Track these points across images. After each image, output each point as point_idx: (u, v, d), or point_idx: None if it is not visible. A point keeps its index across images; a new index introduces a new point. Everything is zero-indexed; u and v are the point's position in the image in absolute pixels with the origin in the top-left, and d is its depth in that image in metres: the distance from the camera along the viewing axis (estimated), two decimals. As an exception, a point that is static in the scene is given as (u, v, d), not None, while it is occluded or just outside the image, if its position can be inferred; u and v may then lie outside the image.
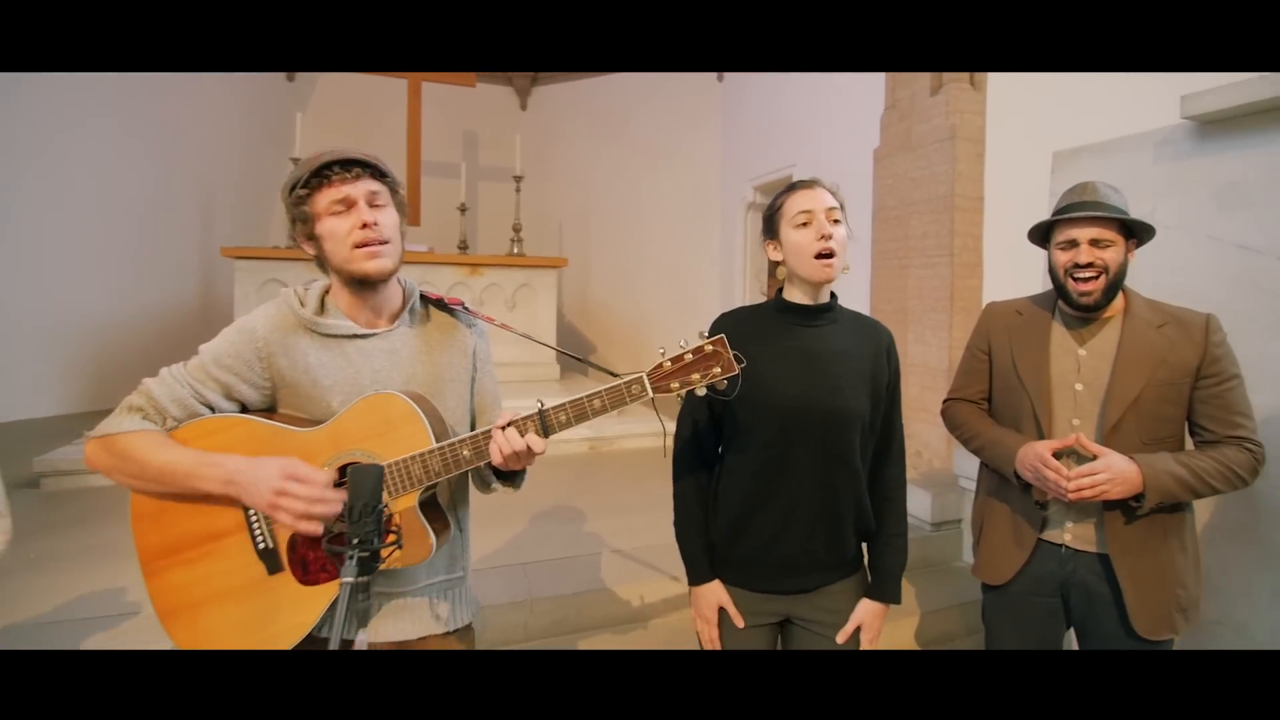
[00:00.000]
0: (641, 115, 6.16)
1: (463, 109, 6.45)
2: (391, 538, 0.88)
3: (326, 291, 1.10)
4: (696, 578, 1.29)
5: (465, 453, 0.97)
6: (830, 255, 1.17)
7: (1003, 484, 1.45)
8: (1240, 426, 1.28)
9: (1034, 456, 1.29)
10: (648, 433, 4.10)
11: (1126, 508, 1.28)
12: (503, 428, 0.95)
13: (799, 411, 1.18)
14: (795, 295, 1.24)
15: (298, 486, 0.92)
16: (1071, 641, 1.51)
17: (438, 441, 0.97)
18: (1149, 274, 1.68)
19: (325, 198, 1.01)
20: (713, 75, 5.81)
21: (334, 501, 0.93)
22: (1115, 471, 1.21)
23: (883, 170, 3.37)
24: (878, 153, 3.40)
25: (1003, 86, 2.90)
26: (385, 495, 0.92)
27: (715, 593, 1.27)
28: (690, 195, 6.03)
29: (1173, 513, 1.32)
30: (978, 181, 2.96)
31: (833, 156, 3.95)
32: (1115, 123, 1.91)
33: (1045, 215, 1.97)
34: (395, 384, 1.06)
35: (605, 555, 2.42)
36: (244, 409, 1.06)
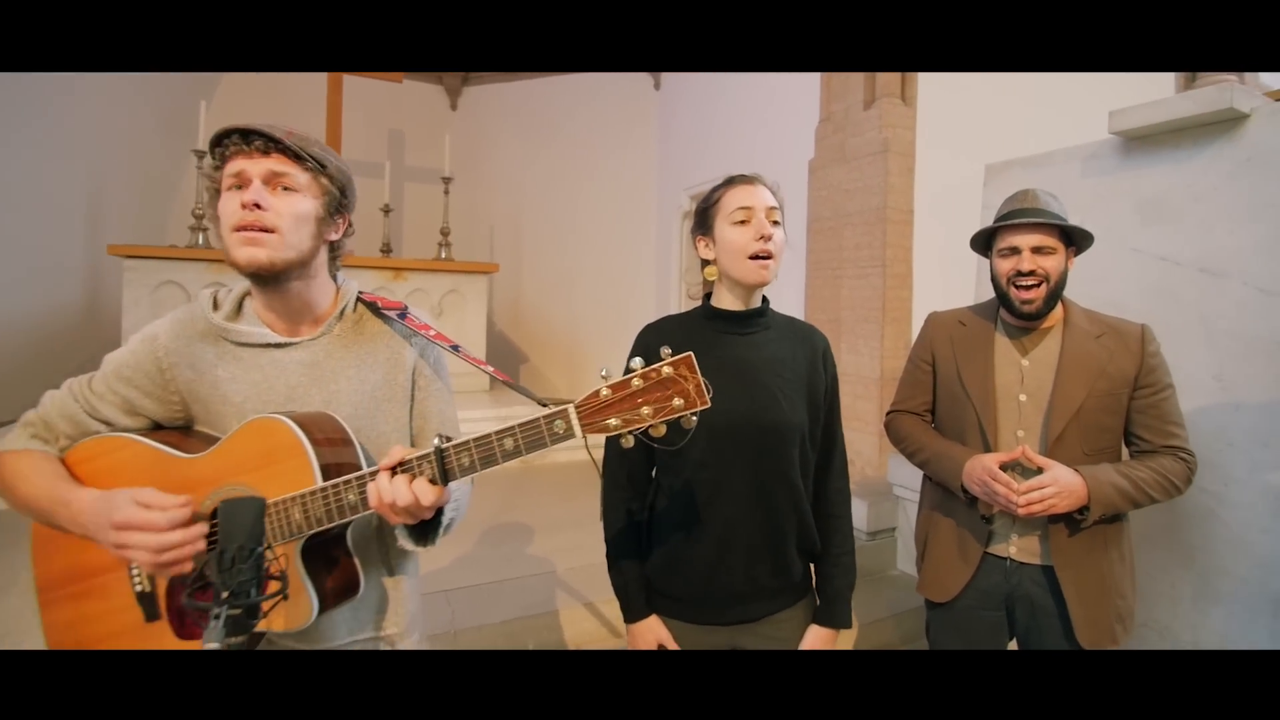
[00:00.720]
0: (576, 120, 6.05)
1: (388, 106, 6.14)
2: (274, 586, 0.70)
3: (247, 293, 0.93)
4: (632, 614, 1.17)
5: (351, 497, 0.79)
6: (768, 257, 1.08)
7: (947, 498, 1.42)
8: (1175, 436, 1.29)
9: (982, 470, 1.26)
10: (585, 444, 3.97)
11: (1070, 520, 1.27)
12: (392, 469, 0.78)
13: (733, 428, 1.07)
14: (725, 300, 1.15)
15: (144, 522, 0.75)
16: (1012, 654, 1.50)
17: (327, 479, 0.80)
18: (1075, 284, 1.70)
19: (224, 174, 0.85)
20: (649, 82, 5.78)
21: (190, 541, 0.76)
22: (1062, 485, 1.20)
23: (817, 182, 3.39)
24: (812, 164, 3.42)
25: (933, 102, 2.98)
26: (269, 537, 0.75)
27: (653, 629, 1.16)
28: (625, 202, 5.95)
29: (1112, 523, 1.32)
30: (908, 195, 3.02)
31: (768, 167, 3.85)
32: (1045, 137, 1.95)
33: (975, 227, 2.02)
34: (313, 402, 0.89)
35: (536, 579, 2.27)
36: (158, 426, 0.90)
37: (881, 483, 2.92)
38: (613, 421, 0.71)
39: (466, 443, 0.78)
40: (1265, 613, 1.49)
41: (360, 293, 0.99)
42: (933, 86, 2.99)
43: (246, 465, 0.82)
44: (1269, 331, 1.45)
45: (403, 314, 0.98)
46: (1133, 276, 1.69)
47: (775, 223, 1.10)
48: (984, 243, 1.39)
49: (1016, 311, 1.31)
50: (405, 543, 0.91)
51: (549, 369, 6.09)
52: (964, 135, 2.82)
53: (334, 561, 0.87)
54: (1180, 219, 1.59)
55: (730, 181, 1.14)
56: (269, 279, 0.86)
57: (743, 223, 1.09)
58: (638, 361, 0.73)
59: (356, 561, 0.89)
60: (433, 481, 0.78)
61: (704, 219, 1.16)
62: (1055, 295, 1.29)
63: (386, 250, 5.06)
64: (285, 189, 0.86)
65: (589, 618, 2.06)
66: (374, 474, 0.79)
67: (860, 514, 2.76)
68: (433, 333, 0.98)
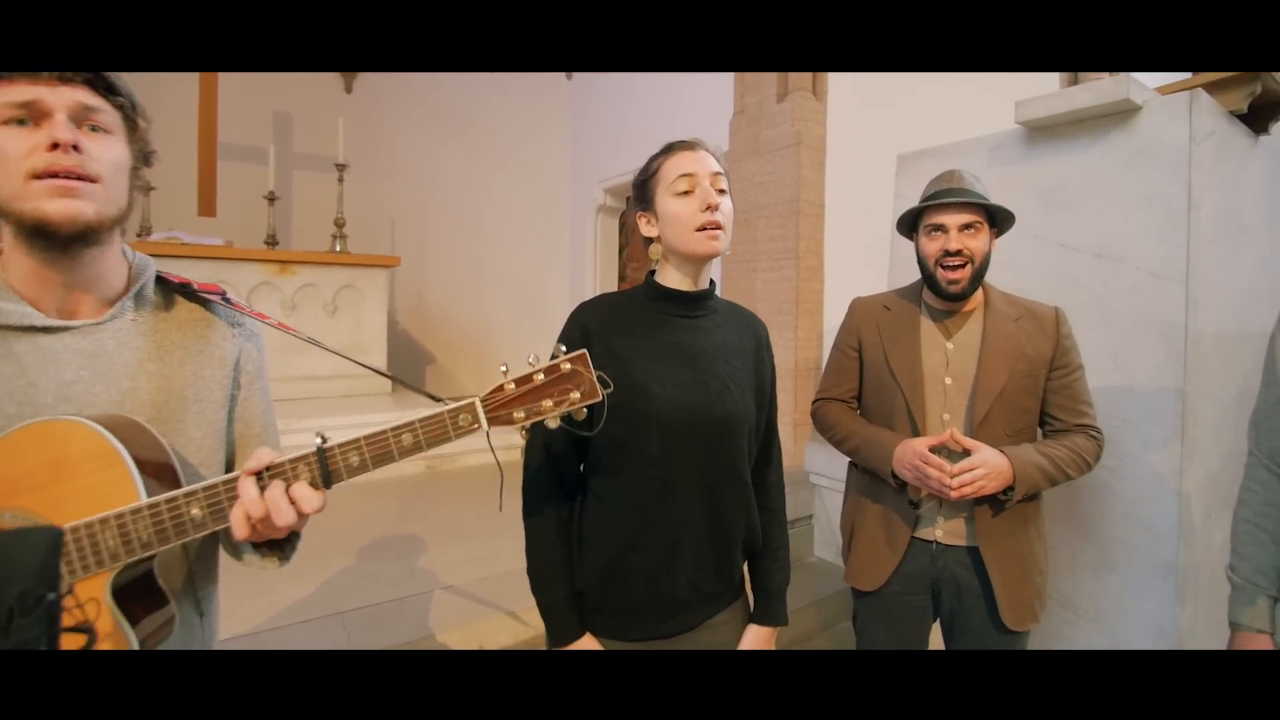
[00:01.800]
0: (486, 109, 5.80)
1: (273, 86, 5.62)
2: (76, 641, 0.53)
3: None
4: (561, 637, 1.03)
5: (195, 512, 0.65)
6: (717, 228, 0.99)
7: (874, 485, 1.40)
8: (1085, 415, 1.33)
9: (912, 454, 1.24)
10: (497, 446, 3.75)
11: (995, 501, 1.28)
12: (257, 474, 0.65)
13: (685, 420, 0.98)
14: (671, 279, 1.05)
15: None
16: (937, 635, 1.50)
17: (151, 495, 0.64)
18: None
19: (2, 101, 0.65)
20: (561, 73, 5.64)
21: None
22: (990, 466, 1.20)
23: (732, 174, 3.36)
24: (727, 157, 3.39)
25: (843, 96, 3.04)
26: (65, 576, 0.59)
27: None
28: (537, 195, 5.78)
29: (1030, 502, 1.35)
30: (820, 188, 3.07)
31: None
32: (951, 129, 2.00)
33: (885, 219, 2.06)
34: (99, 403, 0.71)
35: (442, 593, 2.09)
36: None
37: (798, 471, 2.95)
38: (518, 413, 0.72)
39: (355, 440, 0.68)
40: (1156, 578, 1.58)
41: (161, 271, 0.81)
42: (843, 81, 3.06)
43: (23, 485, 0.63)
44: (1159, 313, 1.54)
45: (221, 297, 0.82)
46: (1036, 262, 1.76)
47: (722, 190, 1.01)
48: (910, 224, 1.39)
49: (943, 293, 1.31)
50: (254, 561, 0.77)
51: (457, 369, 5.80)
52: (873, 128, 2.89)
53: (148, 595, 0.70)
54: (1079, 207, 1.66)
55: (669, 149, 1.04)
56: (76, 242, 0.68)
57: (686, 193, 0.99)
58: (534, 358, 0.74)
59: (166, 590, 0.72)
60: (313, 485, 0.67)
61: (643, 192, 1.06)
62: (979, 276, 1.30)
63: (272, 242, 4.62)
64: (95, 129, 0.69)
65: (508, 629, 1.90)
66: (231, 484, 0.65)
67: (780, 504, 2.77)
68: (274, 320, 0.84)
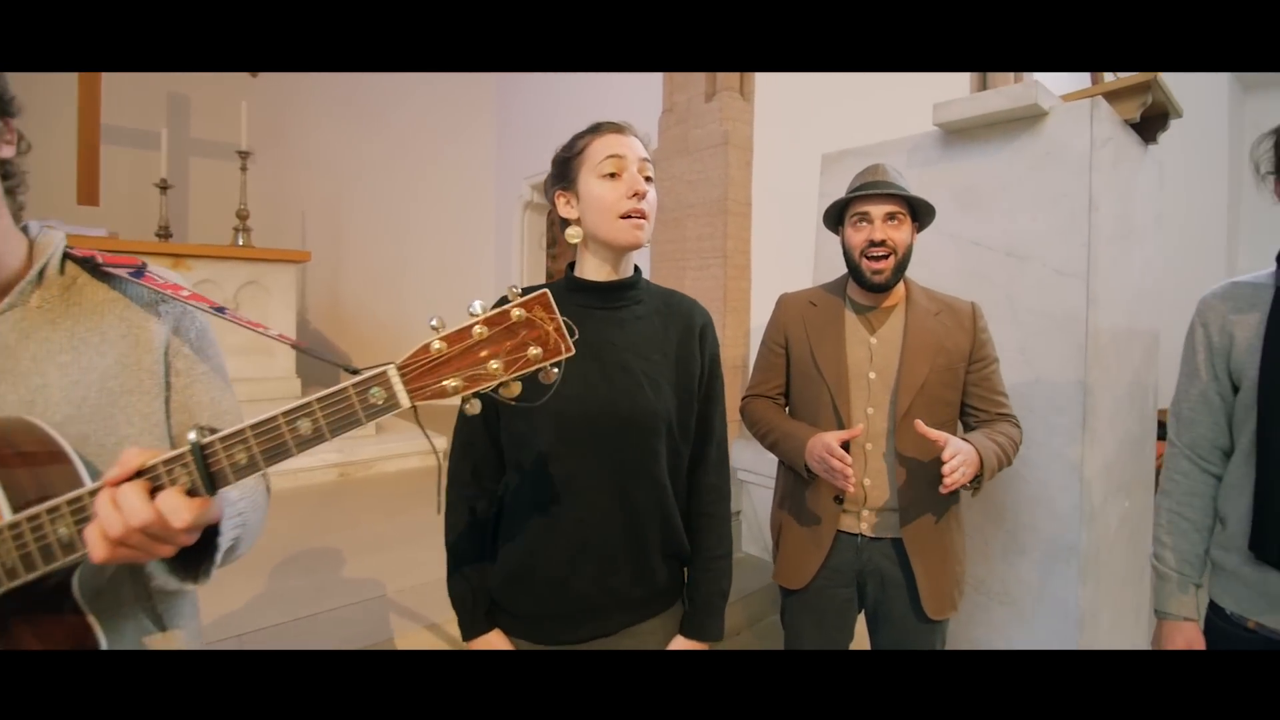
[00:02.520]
0: (407, 101, 5.56)
1: (166, 64, 5.18)
2: None
3: None
4: (470, 629, 0.99)
5: (62, 531, 0.55)
6: (641, 217, 0.95)
7: (800, 483, 1.40)
8: (1004, 405, 1.38)
9: (821, 447, 1.22)
10: (415, 450, 3.58)
11: (918, 493, 1.31)
12: (117, 484, 0.54)
13: (587, 417, 0.93)
14: (590, 269, 1.00)
15: None
16: (861, 627, 1.52)
17: (16, 511, 0.54)
18: (904, 268, 1.82)
19: None
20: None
21: None
22: (966, 454, 1.17)
23: (661, 173, 3.38)
24: (656, 155, 3.37)
25: (769, 97, 3.08)
26: None
27: (493, 646, 0.99)
28: (461, 191, 5.59)
29: (953, 493, 1.38)
30: (747, 187, 3.11)
31: None
32: (873, 129, 2.05)
33: (811, 218, 2.09)
34: (5, 405, 0.62)
35: (359, 607, 1.95)
36: None
37: (728, 470, 2.96)
38: (451, 383, 0.56)
39: (241, 432, 0.56)
40: (1061, 560, 1.67)
41: (70, 247, 0.70)
42: (769, 82, 3.10)
43: None
44: (1063, 309, 1.62)
45: (138, 271, 0.70)
46: (950, 259, 1.82)
47: (648, 178, 0.97)
48: (836, 217, 1.40)
49: (867, 283, 1.33)
50: (166, 580, 0.65)
51: (375, 371, 5.52)
52: (798, 129, 2.95)
53: (54, 625, 0.59)
54: (990, 206, 1.74)
55: (597, 128, 0.99)
56: None
57: (612, 175, 0.94)
58: (478, 305, 0.57)
59: (91, 620, 0.61)
60: (192, 492, 0.55)
61: (565, 170, 1.00)
62: (902, 267, 1.33)
63: (164, 234, 4.24)
64: None
65: (428, 643, 1.79)
66: (95, 491, 0.54)
67: (709, 502, 2.77)
68: (186, 293, 0.71)
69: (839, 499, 1.35)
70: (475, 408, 0.58)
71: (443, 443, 0.79)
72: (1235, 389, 1.09)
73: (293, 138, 5.54)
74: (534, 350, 0.57)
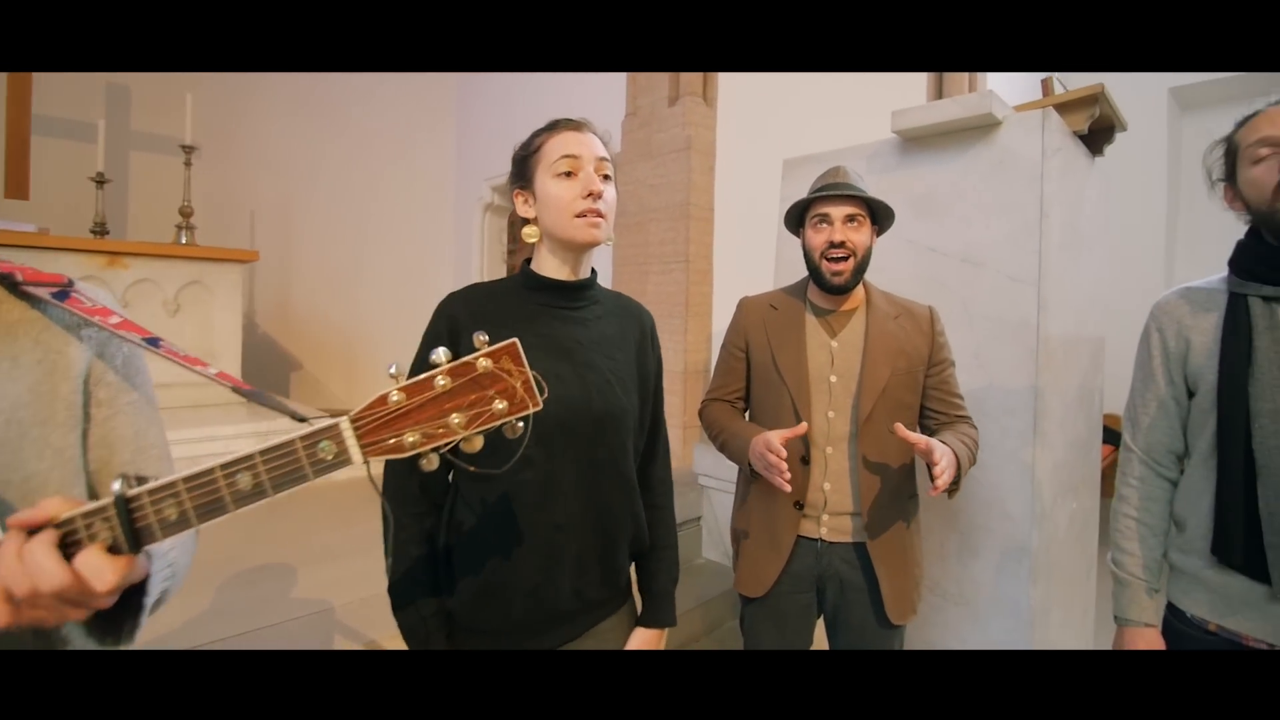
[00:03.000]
0: (364, 98, 5.41)
1: (103, 52, 4.93)
2: None
3: None
4: None
5: None
6: (599, 215, 0.94)
7: (761, 491, 1.39)
8: (961, 408, 1.40)
9: (762, 444, 1.21)
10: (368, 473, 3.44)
11: (880, 497, 1.31)
12: (24, 528, 0.49)
13: (565, 416, 0.91)
14: (549, 267, 0.98)
15: None
16: (820, 632, 1.52)
17: None
18: (863, 273, 1.84)
19: None
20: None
21: None
22: (949, 456, 1.16)
23: (624, 176, 3.36)
24: (618, 159, 3.36)
25: (732, 102, 3.10)
26: None
27: None
28: (419, 192, 5.46)
29: (911, 497, 1.39)
30: (709, 192, 3.11)
31: None
32: (834, 136, 2.08)
33: (772, 223, 2.10)
34: None
35: (303, 622, 1.85)
36: None
37: (687, 473, 2.95)
38: (410, 438, 0.52)
39: (172, 484, 0.50)
40: (1012, 560, 1.70)
41: None
42: (732, 87, 3.12)
43: None
44: (1016, 315, 1.66)
45: (62, 292, 0.64)
46: (908, 265, 1.85)
47: (606, 177, 0.96)
48: (797, 218, 1.40)
49: (827, 285, 1.33)
50: (83, 642, 0.60)
51: (326, 376, 5.33)
52: (760, 135, 2.97)
53: None
54: (946, 214, 1.77)
55: (554, 126, 0.97)
56: None
57: (568, 174, 0.93)
58: (441, 353, 0.53)
59: None
60: (114, 550, 0.49)
61: (522, 169, 0.99)
62: (861, 269, 1.33)
63: (100, 230, 4.02)
64: None
65: (374, 659, 1.72)
66: None
67: (671, 508, 2.75)
68: (115, 320, 0.63)
69: (799, 504, 1.34)
70: (433, 464, 0.54)
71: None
72: (1191, 393, 1.10)
73: (242, 133, 5.35)
74: (499, 404, 0.53)
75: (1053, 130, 1.62)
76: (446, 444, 0.53)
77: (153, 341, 0.62)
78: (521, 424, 0.56)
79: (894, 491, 1.32)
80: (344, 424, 0.51)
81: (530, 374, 0.55)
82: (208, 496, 0.51)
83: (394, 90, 5.42)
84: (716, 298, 3.22)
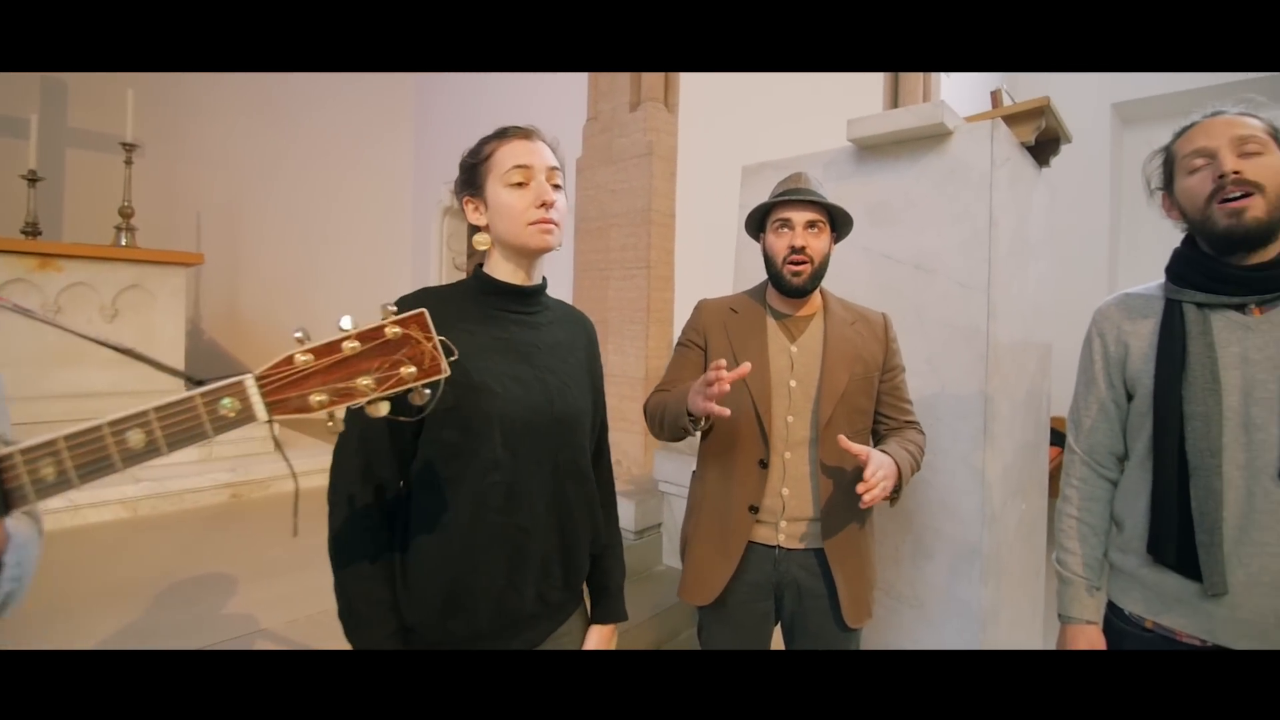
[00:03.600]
0: (319, 100, 5.27)
1: (36, 43, 4.69)
2: None
3: None
4: None
5: None
6: (551, 223, 0.94)
7: (712, 495, 1.37)
8: (910, 413, 1.41)
9: (700, 381, 1.14)
10: (317, 469, 3.33)
11: (838, 503, 1.31)
12: None
13: (529, 417, 0.92)
14: (502, 272, 0.98)
15: None
16: (778, 640, 1.52)
17: None
18: (819, 279, 1.85)
19: None
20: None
21: None
22: (886, 468, 1.18)
23: (585, 181, 3.34)
24: (580, 163, 3.36)
25: (693, 109, 3.11)
26: None
27: None
28: (376, 195, 5.35)
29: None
30: (670, 198, 3.11)
31: None
32: (792, 144, 2.09)
33: (733, 229, 2.11)
34: None
35: (243, 640, 1.77)
36: None
37: (648, 480, 2.93)
38: (317, 397, 0.53)
39: (53, 442, 0.47)
40: (964, 562, 1.72)
41: None
42: (694, 93, 3.13)
43: None
44: (966, 321, 1.69)
45: None
46: (862, 272, 1.87)
47: (557, 185, 0.96)
48: (758, 223, 1.40)
49: (786, 286, 1.33)
50: None
51: (280, 383, 5.15)
52: (721, 141, 2.99)
53: None
54: (900, 221, 1.80)
55: (503, 134, 0.97)
56: None
57: (520, 185, 0.93)
58: (348, 320, 0.56)
59: None
60: None
61: (471, 177, 0.97)
62: (819, 275, 1.34)
63: (32, 230, 3.81)
64: None
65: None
66: None
67: (629, 514, 2.72)
68: (9, 304, 0.62)
69: (754, 508, 1.33)
70: (339, 426, 0.55)
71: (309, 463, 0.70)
72: (1130, 396, 1.13)
73: (189, 131, 5.14)
74: (408, 369, 0.55)
75: (1001, 141, 1.66)
76: (354, 404, 0.54)
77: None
78: (429, 390, 0.58)
79: (851, 495, 1.32)
80: (249, 381, 0.52)
81: (437, 340, 0.57)
82: (93, 455, 0.48)
83: (351, 91, 5.30)
84: (678, 303, 3.22)
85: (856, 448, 1.18)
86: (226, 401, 0.51)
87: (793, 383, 1.34)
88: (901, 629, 1.83)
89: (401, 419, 0.59)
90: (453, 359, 0.58)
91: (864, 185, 1.86)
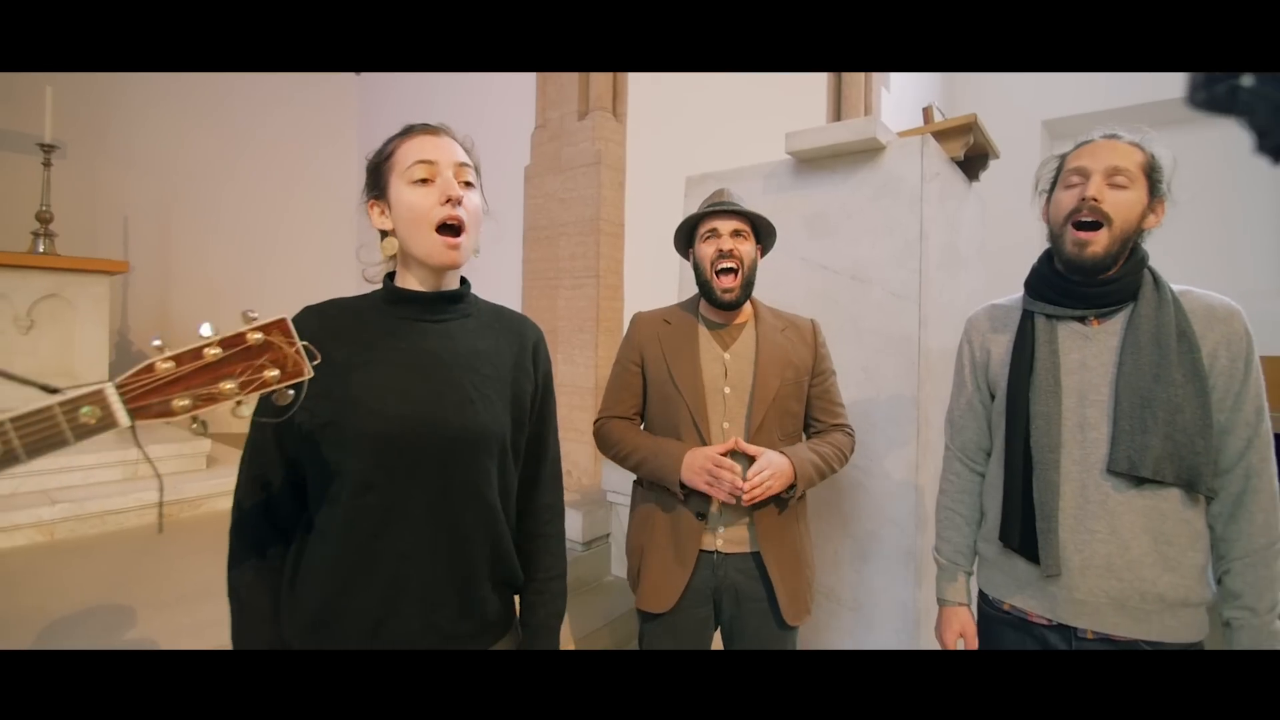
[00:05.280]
0: (254, 97, 5.09)
1: (-57, 36, 4.40)
2: None
3: None
4: None
5: None
6: (457, 230, 0.88)
7: (661, 502, 1.39)
8: (840, 415, 1.46)
9: (704, 459, 1.26)
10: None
11: (775, 501, 1.34)
12: None
13: (411, 436, 0.85)
14: (410, 281, 0.92)
15: None
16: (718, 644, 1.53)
17: None
18: (756, 289, 1.87)
19: None
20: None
21: None
22: (775, 467, 1.25)
23: (533, 189, 3.32)
24: (529, 171, 3.34)
25: (641, 117, 3.13)
26: None
27: None
28: (318, 199, 5.19)
29: (800, 500, 1.43)
30: (619, 207, 3.12)
31: (487, 168, 3.79)
32: (738, 154, 2.13)
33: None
34: None
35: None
36: None
37: (596, 491, 2.92)
38: (180, 402, 0.57)
39: None
40: (902, 564, 1.77)
41: None
42: (641, 103, 3.15)
43: None
44: (899, 329, 1.74)
45: None
46: (801, 282, 1.91)
47: (468, 184, 0.90)
48: (687, 236, 1.43)
49: (717, 301, 1.37)
50: None
51: (215, 395, 4.93)
52: (668, 152, 3.02)
53: None
54: (837, 233, 1.84)
55: (408, 131, 0.92)
56: None
57: (424, 181, 0.87)
58: (207, 328, 0.59)
59: None
60: None
61: (376, 178, 0.92)
62: (749, 284, 1.39)
63: (-65, 234, 3.56)
64: None
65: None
66: None
67: (578, 525, 2.70)
68: None
69: (701, 515, 1.35)
70: (200, 433, 0.56)
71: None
72: (993, 397, 1.23)
73: (113, 131, 4.90)
74: (271, 372, 0.59)
75: (931, 156, 1.72)
76: (216, 406, 0.58)
77: None
78: (292, 391, 0.61)
79: (780, 497, 1.36)
80: (109, 389, 0.54)
81: (300, 345, 0.60)
82: None
83: (292, 93, 5.15)
84: (628, 312, 3.22)
85: (752, 449, 1.27)
86: (86, 409, 0.53)
87: (727, 389, 1.37)
88: (841, 631, 1.87)
89: (266, 419, 0.63)
90: (316, 362, 0.61)
91: (803, 198, 1.91)
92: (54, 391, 0.53)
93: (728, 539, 1.36)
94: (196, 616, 1.95)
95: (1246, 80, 0.37)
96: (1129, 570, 1.00)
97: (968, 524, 1.26)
